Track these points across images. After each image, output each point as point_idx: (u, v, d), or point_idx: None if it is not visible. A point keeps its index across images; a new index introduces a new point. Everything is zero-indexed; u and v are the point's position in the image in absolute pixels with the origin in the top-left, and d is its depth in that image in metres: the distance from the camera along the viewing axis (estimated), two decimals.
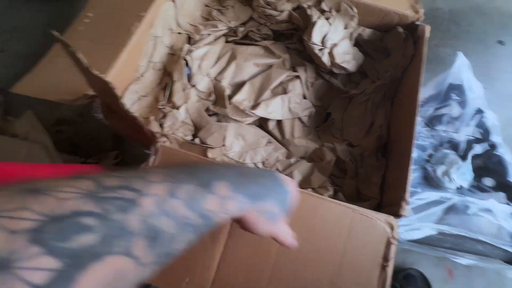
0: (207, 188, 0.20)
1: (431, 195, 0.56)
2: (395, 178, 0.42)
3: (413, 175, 0.59)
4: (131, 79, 0.48)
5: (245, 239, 0.35)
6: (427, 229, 0.53)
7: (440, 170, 0.59)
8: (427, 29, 0.47)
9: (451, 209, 0.56)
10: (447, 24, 0.84)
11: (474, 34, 0.84)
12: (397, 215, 0.38)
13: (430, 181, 0.60)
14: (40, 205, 0.12)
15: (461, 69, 0.51)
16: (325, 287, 0.33)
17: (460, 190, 0.60)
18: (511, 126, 0.73)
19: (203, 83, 0.55)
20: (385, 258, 0.35)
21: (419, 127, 0.58)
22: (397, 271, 0.56)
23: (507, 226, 0.54)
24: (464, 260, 0.53)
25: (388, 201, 0.43)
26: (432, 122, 0.59)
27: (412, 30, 0.49)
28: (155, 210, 0.16)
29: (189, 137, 0.51)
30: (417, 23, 0.48)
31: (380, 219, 0.37)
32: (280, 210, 0.26)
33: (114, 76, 0.41)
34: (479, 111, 0.57)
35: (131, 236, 0.14)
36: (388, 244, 0.36)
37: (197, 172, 0.21)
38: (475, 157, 0.60)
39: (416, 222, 0.55)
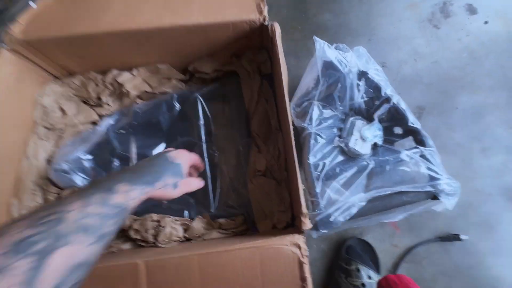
0: (110, 192, 0.29)
1: (351, 169, 0.60)
2: (293, 191, 0.44)
3: (331, 156, 0.62)
4: None
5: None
6: (358, 203, 0.57)
7: (352, 141, 0.63)
8: (277, 26, 0.47)
9: (372, 174, 0.60)
10: None
11: None
12: (300, 230, 0.39)
13: (348, 154, 0.64)
14: (5, 240, 0.20)
15: (323, 50, 0.53)
16: None
17: (376, 151, 0.65)
18: (405, 66, 0.79)
19: None
20: (302, 279, 0.37)
21: (318, 111, 0.60)
22: (340, 250, 0.60)
23: (421, 169, 0.60)
24: (398, 216, 0.58)
25: (296, 213, 0.44)
26: (327, 101, 0.61)
27: (263, 31, 0.49)
28: (78, 216, 0.24)
29: None
30: (265, 23, 0.48)
31: (286, 243, 0.38)
32: (178, 177, 0.38)
33: None
34: (363, 73, 0.61)
35: (68, 235, 0.23)
36: (301, 265, 0.37)
37: (100, 183, 0.29)
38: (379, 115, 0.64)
39: (349, 198, 0.59)
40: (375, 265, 0.61)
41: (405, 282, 0.37)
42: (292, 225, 0.48)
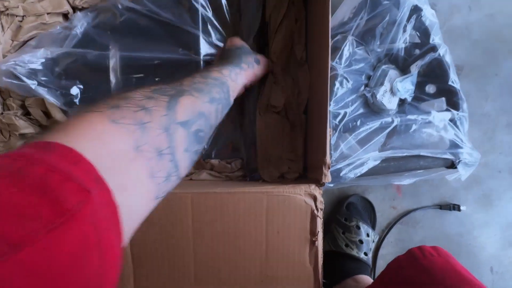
0: (206, 71, 0.34)
1: (373, 123, 0.54)
2: (316, 138, 0.38)
3: (353, 105, 0.55)
4: None
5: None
6: (371, 162, 0.53)
7: (380, 92, 0.55)
8: None
9: (393, 133, 0.55)
10: None
11: None
12: (319, 182, 0.34)
13: (371, 107, 0.57)
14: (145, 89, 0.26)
15: None
16: (257, 281, 0.32)
17: (402, 107, 0.58)
18: (456, 15, 0.67)
19: None
20: (313, 233, 0.34)
21: (351, 49, 0.51)
22: (340, 205, 0.59)
23: (446, 135, 0.54)
24: (407, 180, 0.55)
25: (312, 163, 0.39)
26: (364, 38, 0.51)
27: None
28: (190, 82, 0.30)
29: None
30: None
31: (300, 193, 0.34)
32: (252, 55, 0.43)
33: None
34: (416, 9, 0.50)
35: (187, 91, 0.28)
36: (313, 217, 0.34)
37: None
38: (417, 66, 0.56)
39: (361, 156, 0.55)
40: (372, 223, 0.61)
41: (443, 254, 0.34)
42: (305, 177, 0.43)
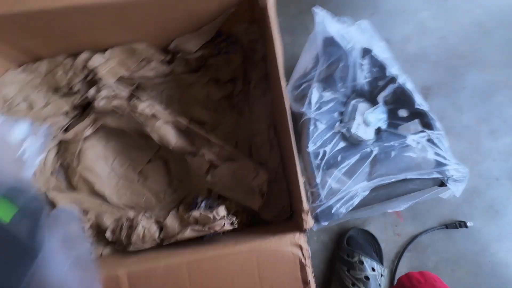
0: None
1: (353, 156, 0.57)
2: (292, 187, 0.40)
3: (332, 142, 0.59)
4: None
5: None
6: (360, 193, 0.54)
7: (354, 126, 0.58)
8: None
9: (375, 161, 0.57)
10: None
11: None
12: (302, 230, 0.36)
13: (350, 140, 0.60)
14: None
15: (324, 24, 0.47)
16: None
17: (379, 136, 0.61)
18: (410, 42, 0.74)
19: None
20: (305, 282, 0.34)
21: (318, 93, 0.56)
22: (341, 240, 0.58)
23: (428, 155, 0.56)
24: (403, 205, 0.56)
25: (295, 210, 0.41)
26: (327, 82, 0.56)
27: (253, 4, 0.43)
28: None
29: None
30: None
31: (286, 244, 0.35)
32: None
33: None
34: (366, 51, 0.56)
35: None
36: (302, 267, 0.34)
37: None
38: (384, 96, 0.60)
39: (351, 188, 0.56)
40: (378, 256, 0.59)
41: (431, 280, 0.33)
42: (290, 218, 0.45)
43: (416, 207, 0.64)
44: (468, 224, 0.62)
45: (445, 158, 0.56)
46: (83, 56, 0.50)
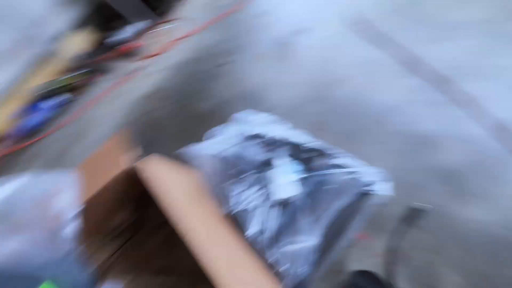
0: None
1: (289, 217, 0.63)
2: None
3: (270, 216, 0.65)
4: None
5: None
6: (312, 243, 0.58)
7: (275, 192, 0.66)
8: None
9: (306, 208, 0.63)
10: None
11: None
12: None
13: (281, 205, 0.67)
14: None
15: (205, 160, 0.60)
16: None
17: (304, 183, 0.69)
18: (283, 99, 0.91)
19: None
20: None
21: (235, 190, 0.64)
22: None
23: (344, 177, 0.64)
24: (356, 228, 0.59)
25: None
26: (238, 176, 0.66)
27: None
28: None
29: None
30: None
31: None
32: None
33: None
34: (250, 137, 0.68)
35: None
36: None
37: None
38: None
39: (302, 245, 0.60)
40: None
41: None
42: None
43: (372, 219, 0.68)
44: (426, 207, 0.66)
45: (357, 173, 0.65)
46: None
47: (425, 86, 0.83)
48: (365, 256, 0.65)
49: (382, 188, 0.63)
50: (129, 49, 1.61)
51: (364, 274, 0.61)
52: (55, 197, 0.41)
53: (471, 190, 0.67)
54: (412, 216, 0.66)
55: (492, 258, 0.60)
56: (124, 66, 1.55)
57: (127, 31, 1.70)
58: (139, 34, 1.69)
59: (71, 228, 0.40)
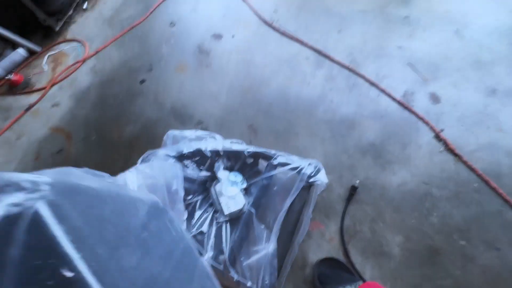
0: None
1: (244, 230, 0.62)
2: None
3: (223, 232, 0.63)
4: None
5: None
6: (272, 250, 0.59)
7: (225, 207, 0.65)
8: None
9: (258, 215, 0.64)
10: None
11: None
12: None
13: (235, 218, 0.66)
14: None
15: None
16: None
17: (249, 192, 0.69)
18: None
19: None
20: None
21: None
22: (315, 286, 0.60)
23: (288, 175, 0.66)
24: (306, 220, 0.61)
25: None
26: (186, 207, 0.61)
27: None
28: None
29: None
30: None
31: None
32: None
33: None
34: (181, 157, 0.64)
35: None
36: None
37: None
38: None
39: (263, 254, 0.60)
40: (351, 272, 0.62)
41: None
42: None
43: (318, 207, 0.72)
44: (356, 183, 0.73)
45: (297, 168, 0.67)
46: None
47: (338, 74, 0.91)
48: (323, 244, 0.68)
49: (323, 176, 0.67)
50: (18, 80, 1.35)
51: (326, 261, 0.64)
52: None
53: (392, 158, 0.77)
54: (351, 194, 0.72)
55: (418, 211, 0.70)
56: (16, 101, 1.30)
57: (19, 53, 1.42)
58: (24, 61, 1.43)
59: None
